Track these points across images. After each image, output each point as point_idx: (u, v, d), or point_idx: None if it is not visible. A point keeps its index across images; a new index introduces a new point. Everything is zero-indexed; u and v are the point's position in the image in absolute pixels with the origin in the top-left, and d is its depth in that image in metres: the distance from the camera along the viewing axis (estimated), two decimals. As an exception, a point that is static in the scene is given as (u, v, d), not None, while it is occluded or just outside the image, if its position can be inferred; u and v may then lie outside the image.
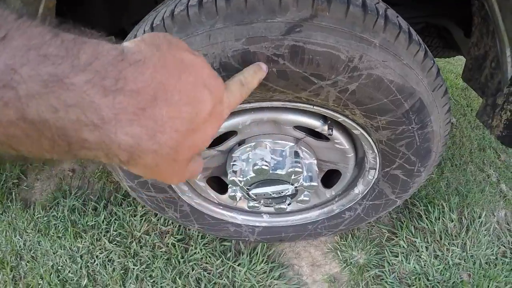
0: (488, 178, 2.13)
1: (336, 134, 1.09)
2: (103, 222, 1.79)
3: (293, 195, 1.23)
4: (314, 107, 0.94)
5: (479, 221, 1.85)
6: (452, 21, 1.66)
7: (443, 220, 1.81)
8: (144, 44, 0.36)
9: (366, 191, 1.32)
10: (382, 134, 1.04)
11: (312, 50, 0.77)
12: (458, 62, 3.12)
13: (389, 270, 1.65)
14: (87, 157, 0.32)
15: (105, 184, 1.97)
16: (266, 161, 1.07)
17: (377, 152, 1.13)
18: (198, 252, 1.61)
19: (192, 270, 1.59)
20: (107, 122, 0.30)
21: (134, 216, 1.77)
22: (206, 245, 1.65)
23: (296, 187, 1.17)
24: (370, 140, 1.08)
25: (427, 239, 1.76)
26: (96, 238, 1.75)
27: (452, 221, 1.82)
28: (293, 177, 1.12)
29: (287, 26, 0.75)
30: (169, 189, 1.24)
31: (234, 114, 0.98)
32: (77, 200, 1.91)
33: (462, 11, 1.51)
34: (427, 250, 1.72)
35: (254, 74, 0.63)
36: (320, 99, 0.89)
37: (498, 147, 2.34)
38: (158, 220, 1.75)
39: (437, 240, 1.77)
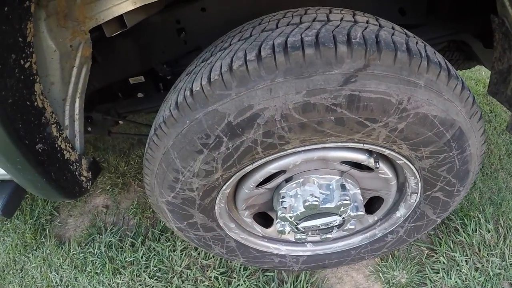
0: (519, 183, 2.13)
1: (380, 165, 1.12)
2: (142, 257, 1.81)
3: (340, 225, 1.25)
4: (365, 145, 0.97)
5: (515, 228, 1.85)
6: (471, 34, 1.69)
7: (480, 232, 1.81)
8: None
9: (408, 214, 1.34)
10: (425, 162, 1.07)
11: (367, 97, 0.81)
12: (477, 67, 3.13)
13: (431, 287, 1.65)
14: None
15: (140, 219, 2.00)
16: (316, 197, 1.10)
17: (419, 178, 1.16)
18: (242, 284, 1.62)
19: (237, 302, 1.60)
20: None
21: (174, 251, 1.80)
22: (249, 276, 1.67)
23: (343, 217, 1.19)
24: (413, 168, 1.11)
25: (466, 252, 1.75)
26: (136, 274, 1.77)
27: (489, 232, 1.82)
28: (342, 209, 1.14)
29: (344, 77, 0.79)
30: (217, 228, 1.27)
31: (286, 156, 1.02)
32: (113, 236, 1.94)
33: (481, 25, 1.54)
34: (467, 264, 1.72)
35: None
36: (371, 138, 0.92)
37: (526, 151, 2.34)
38: (198, 254, 1.77)
39: (476, 252, 1.76)
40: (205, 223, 1.23)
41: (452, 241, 1.78)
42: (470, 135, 1.04)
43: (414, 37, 0.95)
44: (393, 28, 0.92)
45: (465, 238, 1.78)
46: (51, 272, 1.83)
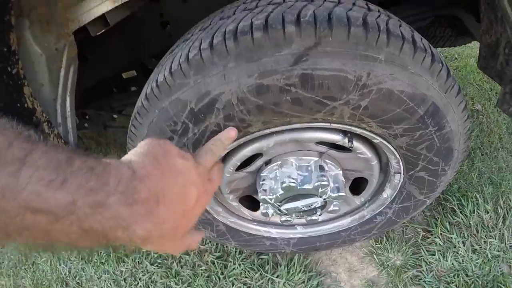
0: (522, 163, 2.07)
1: (357, 144, 1.12)
2: (143, 246, 1.88)
3: (322, 207, 1.26)
4: (332, 124, 0.98)
5: (515, 209, 1.81)
6: (461, 8, 1.63)
7: (478, 213, 1.78)
8: (146, 158, 0.50)
9: (394, 194, 1.34)
10: (401, 140, 1.06)
11: (321, 75, 0.82)
12: (477, 45, 3.02)
13: (426, 270, 1.64)
14: (116, 244, 0.46)
15: (142, 210, 2.07)
16: (293, 178, 1.12)
17: (399, 157, 1.16)
18: (237, 268, 1.67)
19: (232, 286, 1.65)
20: (131, 224, 0.44)
21: (173, 238, 1.86)
22: (244, 260, 1.71)
23: (324, 199, 1.21)
24: (391, 147, 1.11)
25: (463, 233, 1.73)
26: (138, 262, 1.85)
27: (488, 213, 1.78)
28: (320, 190, 1.16)
29: (294, 57, 0.81)
30: (205, 212, 1.31)
31: (257, 139, 1.04)
32: (117, 227, 2.01)
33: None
34: (464, 245, 1.69)
35: (221, 143, 0.73)
36: (335, 117, 0.93)
37: (529, 129, 2.27)
38: (195, 240, 1.82)
39: (473, 234, 1.74)
40: (190, 208, 1.27)
41: (448, 222, 1.76)
42: (447, 110, 1.02)
43: (379, 11, 0.94)
44: (354, 4, 0.92)
45: (462, 219, 1.76)
46: (60, 265, 1.93)
